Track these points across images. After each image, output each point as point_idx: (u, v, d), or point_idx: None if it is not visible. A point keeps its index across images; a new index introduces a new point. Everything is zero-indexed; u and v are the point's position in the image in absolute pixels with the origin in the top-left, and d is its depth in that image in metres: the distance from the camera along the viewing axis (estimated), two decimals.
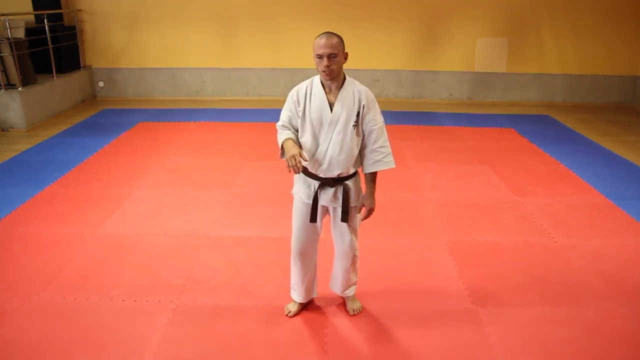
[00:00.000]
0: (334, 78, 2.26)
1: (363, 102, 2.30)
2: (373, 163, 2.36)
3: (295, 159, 2.16)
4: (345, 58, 2.27)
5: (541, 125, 6.69)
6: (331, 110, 2.29)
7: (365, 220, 2.50)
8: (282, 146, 2.31)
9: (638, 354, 2.48)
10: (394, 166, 2.37)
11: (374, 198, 2.42)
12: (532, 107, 7.81)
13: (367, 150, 2.36)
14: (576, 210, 4.05)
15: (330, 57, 2.18)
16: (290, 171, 2.19)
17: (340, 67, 2.26)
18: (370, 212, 2.44)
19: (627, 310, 2.78)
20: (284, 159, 2.29)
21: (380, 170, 2.38)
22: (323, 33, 2.23)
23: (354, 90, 2.31)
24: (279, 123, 2.40)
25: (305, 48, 7.36)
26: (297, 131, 2.37)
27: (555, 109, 7.68)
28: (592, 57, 7.78)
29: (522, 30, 7.69)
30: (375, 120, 2.32)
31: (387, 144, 2.37)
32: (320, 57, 2.20)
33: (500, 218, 3.89)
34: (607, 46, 7.71)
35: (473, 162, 5.14)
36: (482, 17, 7.63)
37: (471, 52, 7.82)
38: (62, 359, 2.37)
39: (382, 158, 2.35)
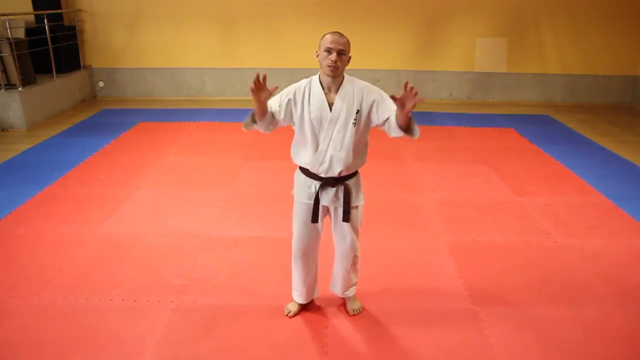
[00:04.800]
0: (337, 76, 2.27)
1: (367, 99, 2.29)
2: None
3: (253, 82, 2.13)
4: (349, 61, 2.30)
5: (541, 125, 6.69)
6: (330, 109, 2.29)
7: (365, 220, 2.48)
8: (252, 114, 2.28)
9: (638, 354, 2.48)
10: (416, 132, 2.25)
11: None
12: (532, 107, 7.81)
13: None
14: (576, 210, 4.05)
15: (340, 53, 2.21)
16: (254, 86, 2.16)
17: (344, 67, 2.27)
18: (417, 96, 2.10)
19: (627, 310, 2.78)
20: (249, 123, 2.33)
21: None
22: (333, 31, 2.27)
23: (353, 88, 2.31)
24: None
25: (305, 48, 7.40)
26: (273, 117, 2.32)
27: (555, 109, 7.68)
28: (592, 57, 7.78)
29: (522, 30, 7.69)
30: (390, 107, 2.26)
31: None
32: (329, 51, 2.21)
33: (500, 218, 3.89)
34: (607, 46, 7.71)
35: (473, 162, 5.14)
36: (482, 17, 7.63)
37: (471, 52, 7.82)
38: (62, 359, 2.37)
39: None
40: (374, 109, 2.31)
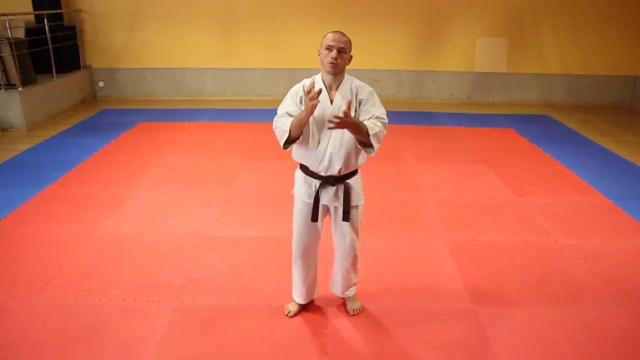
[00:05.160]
0: (337, 74, 2.29)
1: (360, 97, 2.31)
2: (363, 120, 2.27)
3: (309, 97, 2.12)
4: (349, 60, 2.31)
5: (541, 125, 6.69)
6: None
7: (365, 220, 2.48)
8: (289, 128, 2.26)
9: (638, 354, 2.48)
10: (373, 148, 2.28)
11: (355, 122, 2.20)
12: (532, 107, 7.81)
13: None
14: (576, 210, 4.05)
15: (340, 50, 2.23)
16: (312, 100, 2.12)
17: (345, 65, 2.29)
18: (342, 120, 2.12)
19: (627, 310, 2.78)
20: (290, 147, 2.32)
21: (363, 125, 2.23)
22: (335, 30, 2.29)
23: (352, 86, 2.33)
24: (283, 114, 2.32)
25: (305, 48, 7.41)
26: None
27: (555, 109, 7.68)
28: (592, 57, 7.78)
29: (522, 30, 7.69)
30: (370, 111, 2.30)
31: (381, 123, 2.27)
32: (330, 48, 2.24)
33: (500, 218, 3.89)
34: (607, 46, 7.71)
35: (473, 162, 5.14)
36: (482, 17, 7.64)
37: (471, 52, 7.82)
38: (62, 359, 2.37)
39: (372, 125, 2.24)
40: (362, 106, 2.32)
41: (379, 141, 2.27)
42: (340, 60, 2.24)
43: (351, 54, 2.31)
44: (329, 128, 2.19)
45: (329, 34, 2.27)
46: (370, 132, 2.22)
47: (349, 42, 2.28)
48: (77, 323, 2.60)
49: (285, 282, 2.78)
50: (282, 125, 2.30)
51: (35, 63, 6.69)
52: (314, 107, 2.14)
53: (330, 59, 2.23)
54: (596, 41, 7.69)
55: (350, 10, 7.55)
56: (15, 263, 3.16)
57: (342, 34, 2.27)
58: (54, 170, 4.71)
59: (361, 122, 2.24)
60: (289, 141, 2.32)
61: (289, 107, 2.33)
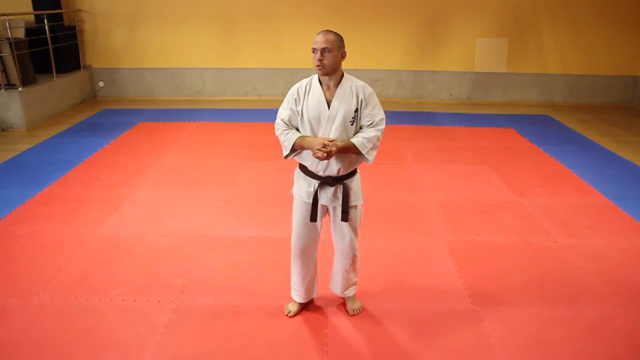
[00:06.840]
0: (328, 74, 2.27)
1: (361, 97, 2.31)
2: (354, 136, 2.32)
3: (326, 144, 2.19)
4: (343, 57, 2.29)
5: (541, 125, 6.69)
6: (329, 107, 2.29)
7: (365, 221, 2.48)
8: (294, 144, 2.31)
9: (638, 354, 2.48)
10: (369, 160, 2.34)
11: (342, 147, 2.28)
12: (532, 107, 7.81)
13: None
14: (576, 210, 4.05)
15: (323, 51, 2.21)
16: (322, 157, 2.21)
17: (335, 64, 2.26)
18: (329, 151, 2.22)
19: (627, 310, 2.78)
20: (292, 156, 2.36)
21: (353, 146, 2.28)
22: (321, 30, 2.27)
23: (351, 86, 2.32)
24: (279, 121, 2.37)
25: (305, 48, 7.35)
26: (298, 130, 2.37)
27: (555, 109, 7.68)
28: (592, 57, 7.78)
29: (522, 30, 7.69)
30: (372, 115, 2.32)
31: (376, 135, 2.31)
32: (314, 51, 2.24)
33: (500, 218, 3.89)
34: (607, 46, 7.71)
35: (473, 162, 5.14)
36: (482, 17, 7.64)
37: (471, 52, 7.82)
38: (62, 359, 2.37)
39: (364, 141, 2.29)
40: (363, 109, 2.32)
41: (374, 152, 2.33)
42: (326, 60, 2.22)
43: (344, 50, 2.28)
44: (315, 156, 2.24)
45: (315, 36, 2.25)
46: (363, 151, 2.28)
47: (336, 39, 2.24)
48: (77, 323, 2.60)
49: (285, 282, 2.78)
50: (285, 141, 2.33)
51: (35, 63, 6.70)
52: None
53: (315, 61, 2.23)
54: (596, 41, 7.69)
55: (351, 10, 7.55)
56: (15, 263, 3.16)
57: (327, 32, 2.24)
58: (54, 170, 4.70)
59: (349, 142, 2.28)
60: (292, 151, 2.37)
61: (284, 112, 2.36)
